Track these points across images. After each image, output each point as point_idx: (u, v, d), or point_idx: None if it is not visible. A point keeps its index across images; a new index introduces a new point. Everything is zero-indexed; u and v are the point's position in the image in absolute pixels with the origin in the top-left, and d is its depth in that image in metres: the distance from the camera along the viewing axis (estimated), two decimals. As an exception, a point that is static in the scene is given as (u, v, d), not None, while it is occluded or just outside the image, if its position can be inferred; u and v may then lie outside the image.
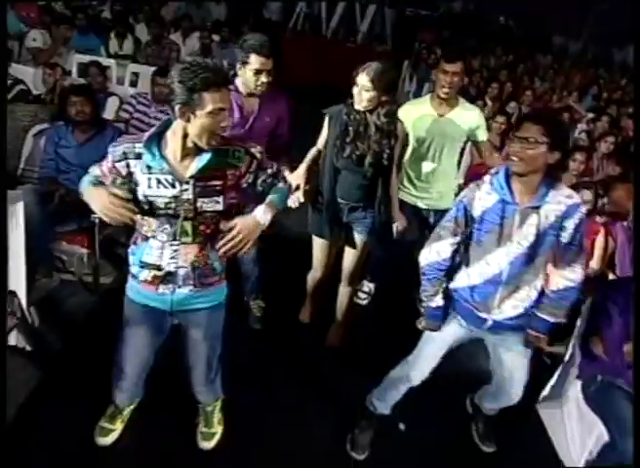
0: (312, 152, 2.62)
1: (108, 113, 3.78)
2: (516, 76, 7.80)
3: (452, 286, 2.03)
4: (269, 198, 1.75)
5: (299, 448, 2.27)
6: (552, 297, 1.92)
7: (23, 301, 2.48)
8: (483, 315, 1.96)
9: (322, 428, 2.40)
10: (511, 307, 1.93)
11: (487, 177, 1.89)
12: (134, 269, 1.80)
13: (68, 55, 4.77)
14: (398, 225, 2.65)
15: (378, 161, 2.43)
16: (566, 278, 1.89)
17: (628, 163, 4.38)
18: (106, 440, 2.10)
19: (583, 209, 1.83)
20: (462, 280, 1.99)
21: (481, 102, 5.80)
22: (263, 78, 2.44)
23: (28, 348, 2.54)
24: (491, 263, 1.88)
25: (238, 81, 2.54)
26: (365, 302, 3.44)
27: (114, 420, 2.13)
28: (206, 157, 1.61)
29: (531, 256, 1.85)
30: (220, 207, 1.68)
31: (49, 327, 2.68)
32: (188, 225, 1.68)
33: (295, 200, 2.42)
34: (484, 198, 1.85)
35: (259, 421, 2.33)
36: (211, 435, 2.18)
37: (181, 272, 1.75)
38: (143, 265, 1.77)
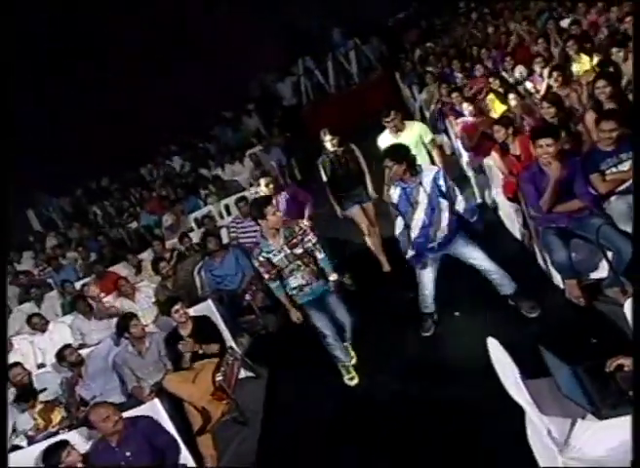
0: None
1: (225, 239, 5.94)
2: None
3: (410, 242, 3.69)
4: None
5: (398, 338, 4.09)
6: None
7: (240, 351, 4.50)
8: (430, 245, 3.63)
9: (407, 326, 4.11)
10: (440, 233, 3.58)
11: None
12: (292, 293, 3.79)
13: (186, 217, 7.19)
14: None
15: (354, 166, 4.79)
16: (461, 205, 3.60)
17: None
18: (353, 382, 3.92)
19: (441, 171, 3.52)
20: (413, 235, 3.65)
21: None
22: None
23: (253, 375, 4.53)
24: (417, 220, 3.57)
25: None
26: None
27: (347, 371, 3.95)
28: (282, 233, 3.67)
29: (433, 207, 3.51)
30: (302, 250, 3.70)
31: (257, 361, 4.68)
32: (299, 262, 3.71)
33: None
34: (394, 192, 3.61)
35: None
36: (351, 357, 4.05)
37: (309, 280, 3.75)
38: (295, 288, 3.77)
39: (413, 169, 3.55)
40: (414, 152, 4.53)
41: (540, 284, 3.95)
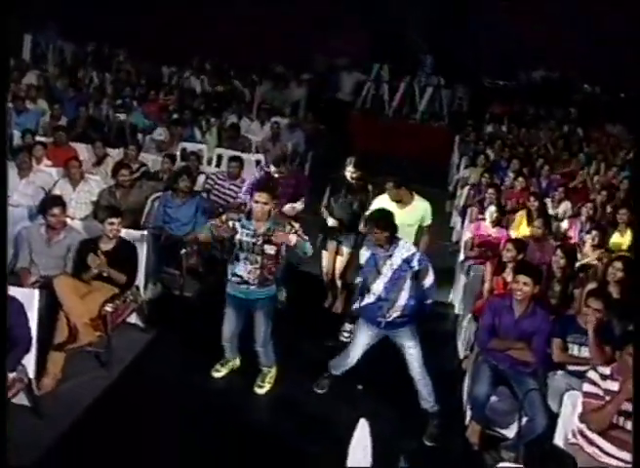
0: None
1: (198, 186, 6.14)
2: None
3: (362, 304, 4.00)
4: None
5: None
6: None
7: (143, 296, 4.70)
8: (378, 320, 3.90)
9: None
10: (394, 312, 3.86)
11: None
12: (230, 277, 4.01)
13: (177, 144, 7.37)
14: None
15: (359, 206, 5.02)
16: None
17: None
18: (216, 374, 4.33)
19: (417, 255, 3.86)
20: (366, 300, 3.96)
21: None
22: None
23: (141, 325, 4.73)
24: (374, 290, 3.86)
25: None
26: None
27: (223, 366, 4.35)
28: (268, 224, 3.87)
29: (394, 283, 3.81)
30: (273, 251, 3.90)
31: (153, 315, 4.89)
32: (259, 258, 3.90)
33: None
34: (363, 253, 3.95)
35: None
36: (261, 387, 4.25)
37: (252, 279, 3.94)
38: (234, 275, 3.98)
39: (392, 239, 3.83)
40: (409, 230, 4.74)
41: (450, 408, 4.25)
